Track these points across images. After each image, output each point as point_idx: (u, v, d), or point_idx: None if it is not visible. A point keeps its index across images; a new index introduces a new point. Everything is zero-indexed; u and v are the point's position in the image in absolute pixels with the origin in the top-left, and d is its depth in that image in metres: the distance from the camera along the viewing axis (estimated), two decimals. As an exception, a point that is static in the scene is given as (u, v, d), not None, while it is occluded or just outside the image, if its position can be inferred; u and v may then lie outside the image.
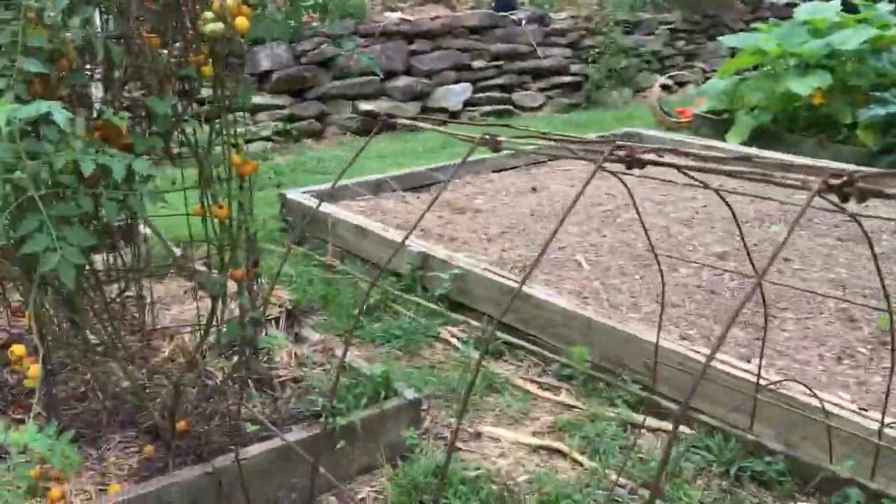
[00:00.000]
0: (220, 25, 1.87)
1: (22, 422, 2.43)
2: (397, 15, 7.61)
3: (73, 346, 2.30)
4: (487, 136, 1.17)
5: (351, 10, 6.92)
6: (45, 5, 1.73)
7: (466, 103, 7.66)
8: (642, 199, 4.68)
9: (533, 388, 2.87)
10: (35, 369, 1.72)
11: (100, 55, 1.73)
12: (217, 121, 2.24)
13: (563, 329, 3.00)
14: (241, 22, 1.84)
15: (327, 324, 3.38)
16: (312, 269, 4.01)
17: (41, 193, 1.68)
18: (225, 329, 2.23)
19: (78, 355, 2.22)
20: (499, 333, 3.14)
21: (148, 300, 2.95)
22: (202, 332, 2.27)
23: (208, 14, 1.89)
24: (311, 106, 6.85)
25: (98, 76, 2.11)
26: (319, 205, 1.87)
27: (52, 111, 1.49)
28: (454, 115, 7.56)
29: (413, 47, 7.45)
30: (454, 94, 7.58)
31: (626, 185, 1.67)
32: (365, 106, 7.12)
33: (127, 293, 2.81)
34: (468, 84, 7.71)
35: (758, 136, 5.75)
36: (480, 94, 7.77)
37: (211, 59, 2.05)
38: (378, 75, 7.03)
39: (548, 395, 2.83)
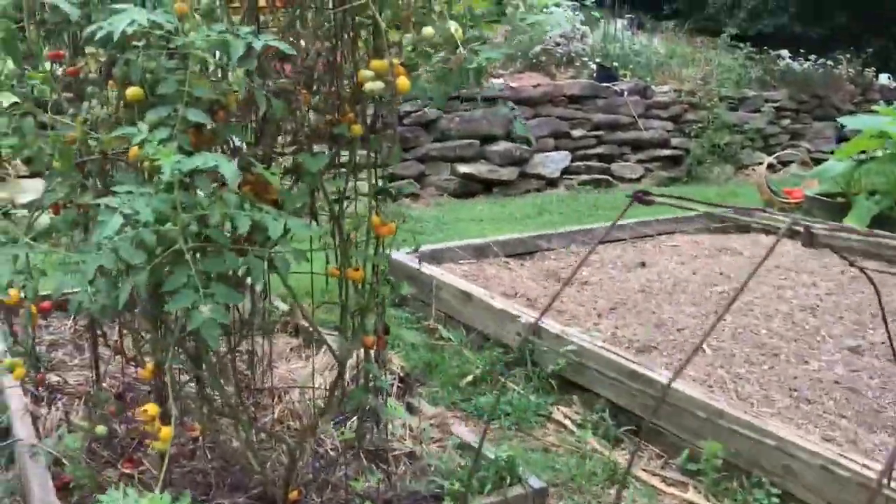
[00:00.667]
0: (379, 84, 1.80)
1: (131, 477, 2.35)
2: (500, 81, 7.61)
3: (190, 400, 2.22)
4: (800, 228, 1.03)
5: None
6: (209, 55, 1.69)
7: (564, 171, 7.58)
8: (758, 282, 4.45)
9: (656, 482, 2.66)
10: (167, 432, 1.63)
11: (262, 109, 1.67)
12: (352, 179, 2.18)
13: (690, 419, 2.79)
14: (403, 82, 1.76)
15: (432, 393, 3.25)
16: (413, 333, 3.90)
17: (188, 247, 1.61)
18: (350, 396, 2.11)
19: (198, 412, 2.13)
20: (615, 419, 2.96)
21: (253, 357, 2.87)
22: (326, 396, 2.17)
23: (367, 73, 1.82)
24: (412, 166, 6.86)
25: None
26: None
27: (219, 164, 1.42)
28: (552, 183, 7.49)
29: (514, 113, 7.42)
30: (553, 162, 7.51)
31: (872, 282, 1.51)
32: (463, 168, 7.10)
33: (238, 348, 2.74)
34: (567, 152, 7.63)
35: (879, 223, 5.45)
36: (579, 163, 7.67)
37: (360, 118, 1.99)
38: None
39: (673, 491, 2.62)
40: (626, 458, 2.81)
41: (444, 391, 3.28)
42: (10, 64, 2.12)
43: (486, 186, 7.25)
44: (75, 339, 3.33)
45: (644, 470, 2.74)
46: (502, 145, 7.27)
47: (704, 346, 3.46)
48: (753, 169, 8.37)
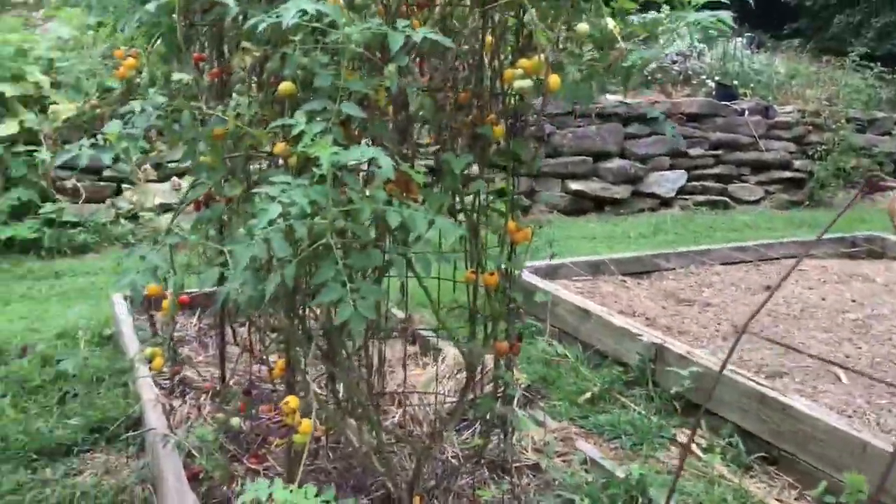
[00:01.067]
0: (528, 82, 1.76)
1: (257, 472, 2.38)
2: (615, 97, 7.49)
3: (325, 401, 2.22)
4: None
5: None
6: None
7: (680, 191, 7.37)
8: (894, 311, 4.18)
9: (793, 514, 2.51)
10: (308, 425, 1.62)
11: (412, 105, 1.66)
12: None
13: (828, 450, 2.62)
14: (555, 80, 1.72)
15: (549, 408, 3.17)
16: (529, 347, 3.83)
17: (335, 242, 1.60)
18: (479, 403, 2.07)
19: (327, 410, 2.13)
20: (743, 444, 2.82)
21: (381, 359, 2.87)
22: (451, 402, 2.14)
23: (517, 71, 1.79)
24: (521, 181, 6.81)
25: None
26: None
27: (377, 158, 1.41)
28: (666, 203, 7.30)
29: (628, 130, 7.29)
30: (667, 181, 7.33)
31: None
32: (574, 185, 7.01)
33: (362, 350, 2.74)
34: (683, 171, 7.42)
35: None
36: (695, 183, 7.46)
37: (504, 119, 1.96)
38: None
39: (812, 525, 2.46)
40: (757, 486, 2.66)
41: (563, 407, 3.20)
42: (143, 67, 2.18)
43: (598, 204, 7.13)
44: (200, 336, 3.42)
45: (777, 500, 2.59)
46: (616, 163, 7.14)
47: (840, 373, 3.26)
48: (889, 195, 7.94)
